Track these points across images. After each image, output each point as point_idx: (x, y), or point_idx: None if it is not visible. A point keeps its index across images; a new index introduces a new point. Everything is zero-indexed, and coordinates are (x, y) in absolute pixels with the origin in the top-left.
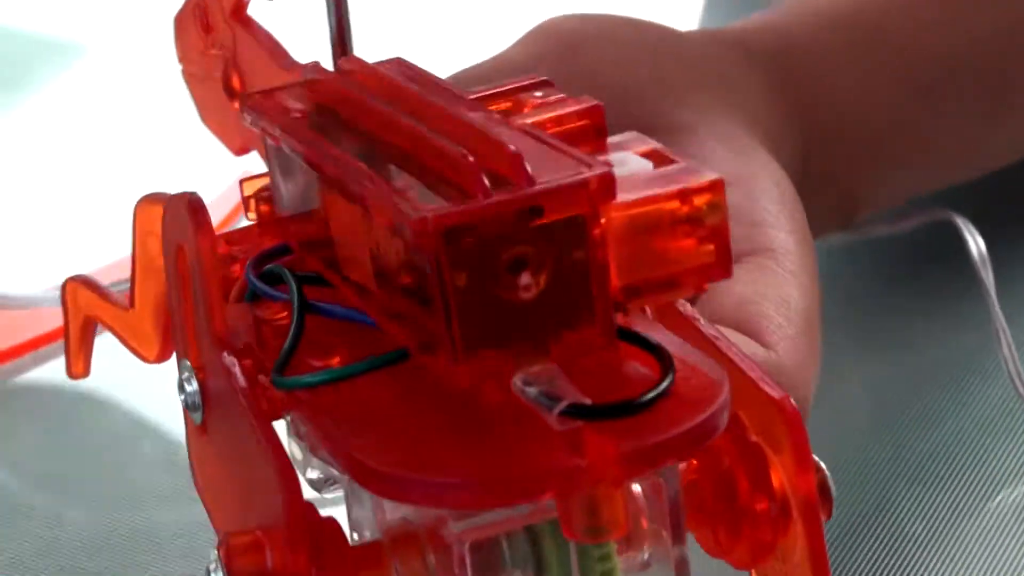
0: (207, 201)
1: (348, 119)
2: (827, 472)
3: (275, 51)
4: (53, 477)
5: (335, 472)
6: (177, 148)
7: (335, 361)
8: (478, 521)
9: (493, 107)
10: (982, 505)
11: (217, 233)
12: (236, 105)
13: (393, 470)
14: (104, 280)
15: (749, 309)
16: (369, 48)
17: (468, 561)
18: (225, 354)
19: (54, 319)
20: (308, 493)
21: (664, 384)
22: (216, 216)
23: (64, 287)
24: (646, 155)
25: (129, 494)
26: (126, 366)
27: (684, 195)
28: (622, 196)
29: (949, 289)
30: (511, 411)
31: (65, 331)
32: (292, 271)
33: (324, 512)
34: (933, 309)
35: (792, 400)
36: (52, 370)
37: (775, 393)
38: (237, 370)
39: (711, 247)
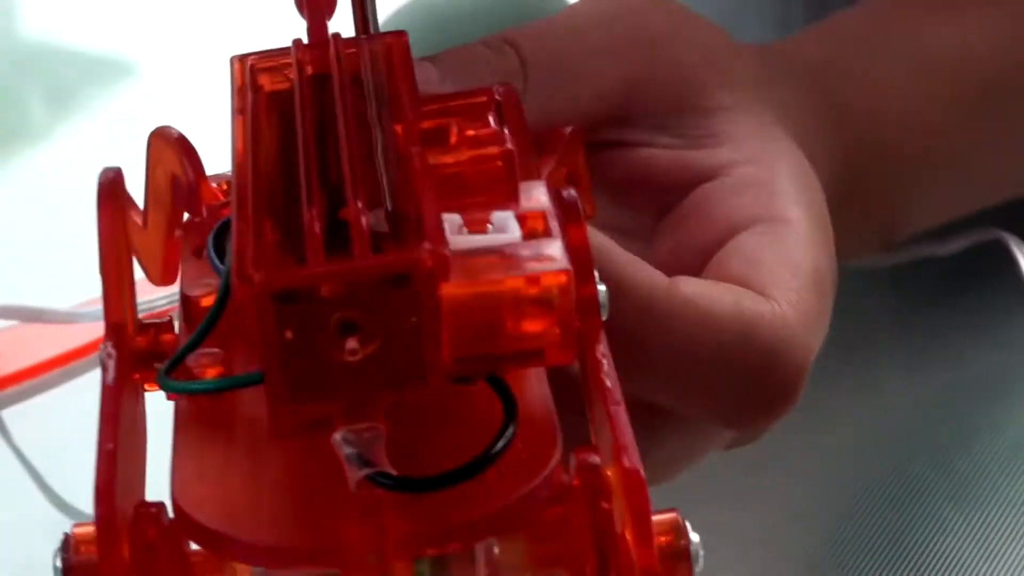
0: None
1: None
2: (692, 538)
3: None
4: None
5: None
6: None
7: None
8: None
9: (427, 124)
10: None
11: None
12: None
13: (208, 523)
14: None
15: (756, 267)
16: None
17: None
18: (105, 344)
19: (89, 332)
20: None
21: (477, 462)
22: None
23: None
24: (529, 218)
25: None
26: None
27: (532, 280)
28: (470, 271)
29: (997, 308)
30: (335, 468)
31: None
32: None
33: None
34: (981, 328)
35: (640, 471)
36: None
37: (625, 462)
38: (111, 363)
39: (556, 331)
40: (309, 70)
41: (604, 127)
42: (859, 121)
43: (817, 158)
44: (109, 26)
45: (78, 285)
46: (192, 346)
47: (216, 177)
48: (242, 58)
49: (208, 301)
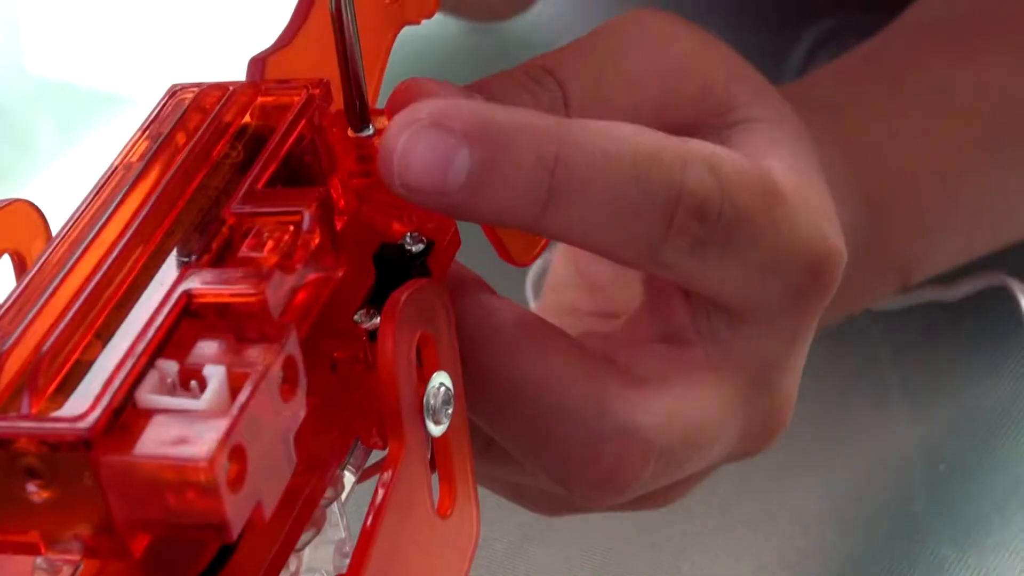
0: None
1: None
2: None
3: None
4: None
5: None
6: None
7: None
8: None
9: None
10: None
11: None
12: None
13: None
14: None
15: None
16: None
17: None
18: None
19: None
20: None
21: None
22: None
23: None
24: (238, 378)
25: None
26: None
27: (174, 468)
28: (142, 436)
29: (1000, 349)
30: None
31: None
32: None
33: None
34: (983, 368)
35: None
36: None
37: None
38: None
39: (222, 512)
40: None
41: None
42: (880, 160)
43: (840, 195)
44: (108, 64)
45: None
46: None
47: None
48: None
49: None
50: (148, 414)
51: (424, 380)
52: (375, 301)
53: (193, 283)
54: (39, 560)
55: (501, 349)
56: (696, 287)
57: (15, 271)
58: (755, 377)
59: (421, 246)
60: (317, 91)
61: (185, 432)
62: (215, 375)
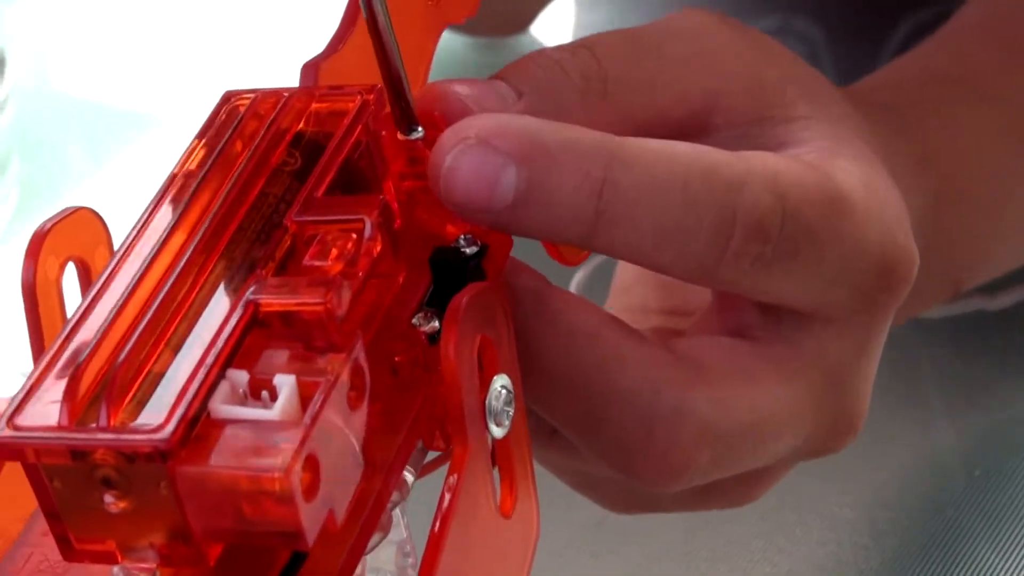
0: None
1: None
2: None
3: None
4: None
5: None
6: None
7: None
8: None
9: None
10: None
11: None
12: None
13: None
14: None
15: None
16: None
17: None
18: None
19: None
20: None
21: None
22: None
23: None
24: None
25: None
26: None
27: (251, 479)
28: (218, 446)
29: None
30: None
31: None
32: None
33: None
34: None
35: None
36: None
37: None
38: None
39: (297, 520)
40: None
41: (687, 136)
42: (941, 164)
43: (904, 197)
44: (135, 82)
45: None
46: None
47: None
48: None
49: None
50: (222, 424)
51: (485, 383)
52: (432, 304)
53: (259, 293)
54: (116, 569)
55: (556, 337)
56: (761, 298)
57: (80, 279)
58: (826, 378)
59: (475, 248)
60: (371, 96)
61: (259, 442)
62: (285, 384)
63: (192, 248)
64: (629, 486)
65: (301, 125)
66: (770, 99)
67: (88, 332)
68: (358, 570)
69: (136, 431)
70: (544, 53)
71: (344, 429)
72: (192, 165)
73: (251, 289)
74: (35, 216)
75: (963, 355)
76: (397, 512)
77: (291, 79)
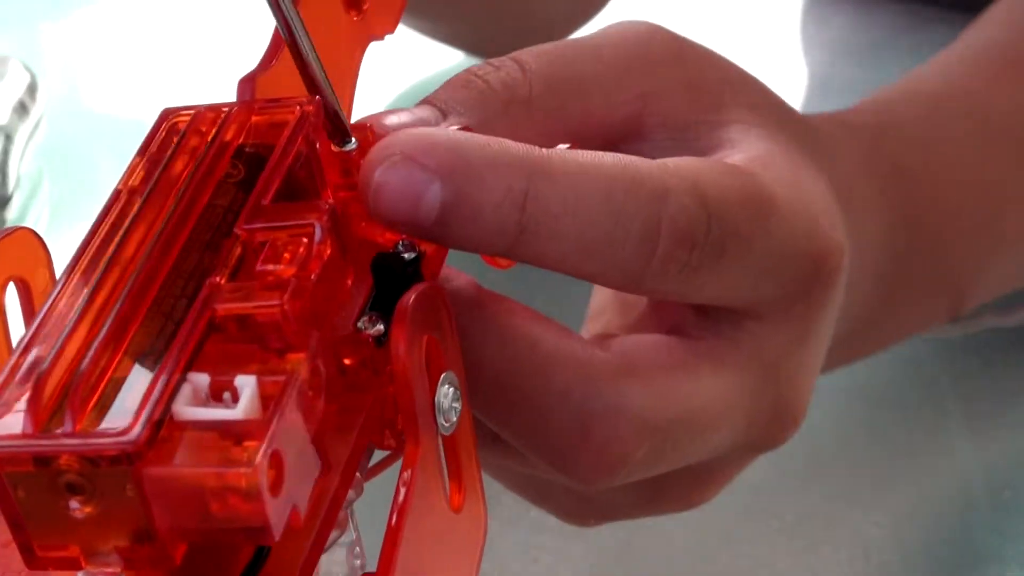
0: None
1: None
2: None
3: None
4: None
5: None
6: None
7: None
8: None
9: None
10: None
11: None
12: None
13: None
14: None
15: None
16: None
17: None
18: None
19: None
20: None
21: None
22: None
23: None
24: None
25: None
26: None
27: (219, 476)
28: (183, 448)
29: None
30: None
31: None
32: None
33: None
34: None
35: None
36: None
37: None
38: None
39: (264, 515)
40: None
41: (620, 140)
42: (922, 185)
43: (869, 209)
44: (163, 98)
45: None
46: None
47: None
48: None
49: None
50: (186, 426)
51: (433, 381)
52: (376, 308)
53: (215, 299)
54: (80, 574)
55: (491, 339)
56: (691, 301)
57: (20, 298)
58: (763, 371)
59: (414, 253)
60: (310, 108)
61: (224, 441)
62: (247, 385)
63: (144, 259)
64: (577, 493)
65: (243, 138)
66: (705, 102)
67: (46, 344)
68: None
69: (101, 435)
70: (470, 70)
71: (304, 426)
72: (135, 182)
73: (208, 295)
74: (65, 236)
75: (984, 373)
76: (348, 514)
77: None
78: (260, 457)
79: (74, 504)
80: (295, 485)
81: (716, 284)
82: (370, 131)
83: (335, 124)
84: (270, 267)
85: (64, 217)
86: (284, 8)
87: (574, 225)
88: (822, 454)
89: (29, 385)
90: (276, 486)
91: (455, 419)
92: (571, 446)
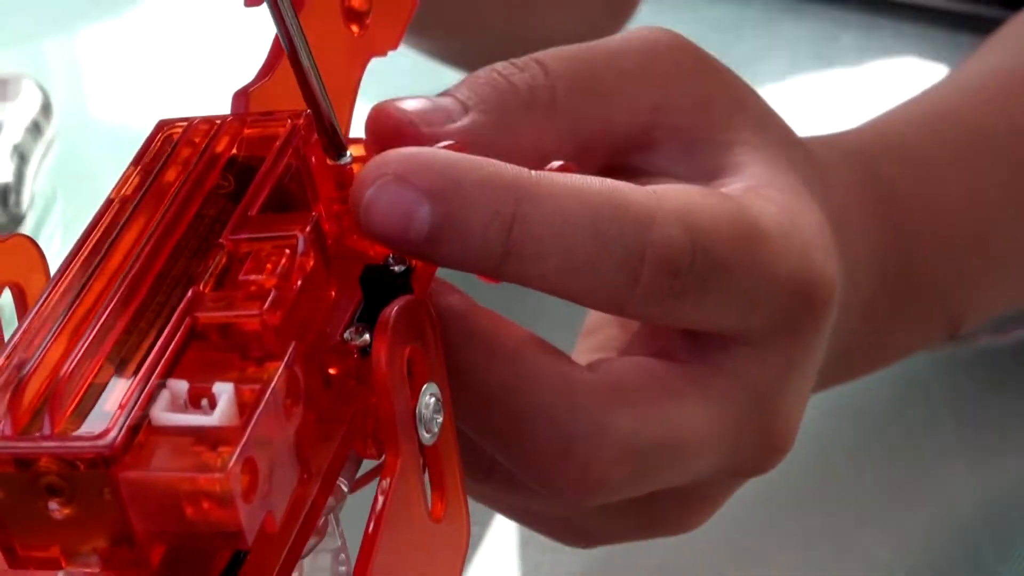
0: None
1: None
2: None
3: None
4: None
5: None
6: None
7: None
8: None
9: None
10: None
11: None
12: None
13: None
14: None
15: None
16: None
17: None
18: None
19: None
20: None
21: None
22: None
23: None
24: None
25: None
26: None
27: (191, 480)
28: (158, 452)
29: None
30: None
31: None
32: None
33: None
34: None
35: None
36: None
37: None
38: None
39: (237, 521)
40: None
41: (630, 150)
42: (913, 200)
43: (861, 233)
44: (173, 108)
45: None
46: None
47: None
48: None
49: None
50: (163, 431)
51: (416, 391)
52: (363, 319)
53: (197, 307)
54: (60, 574)
55: (478, 355)
56: (676, 326)
57: (16, 303)
58: (749, 398)
59: (403, 267)
60: (300, 121)
61: (199, 447)
62: (224, 392)
63: (131, 266)
64: (569, 520)
65: (234, 150)
66: (715, 120)
67: (30, 349)
68: (295, 575)
69: (79, 439)
70: (494, 68)
71: (281, 433)
72: (128, 191)
73: (190, 304)
74: None
75: (986, 395)
76: (332, 521)
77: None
78: (233, 463)
79: (53, 505)
80: (270, 491)
81: (701, 312)
82: (366, 145)
83: (331, 138)
84: (252, 277)
85: (77, 236)
86: (285, 17)
87: (558, 248)
88: (825, 473)
89: (10, 389)
90: (249, 492)
91: (437, 430)
92: (552, 465)
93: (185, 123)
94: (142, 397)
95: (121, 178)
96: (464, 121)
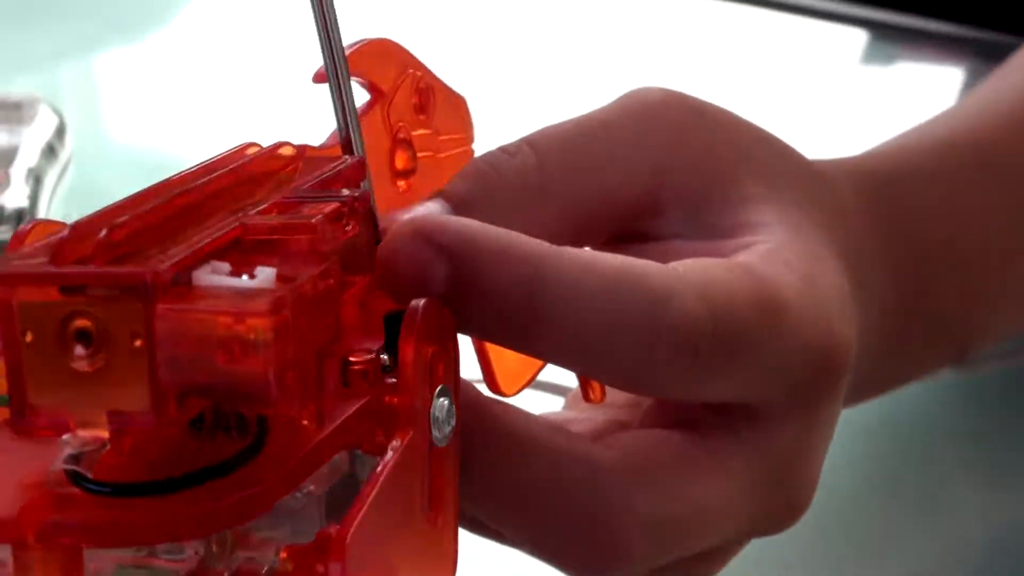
0: None
1: None
2: None
3: None
4: None
5: None
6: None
7: None
8: None
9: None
10: None
11: None
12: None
13: None
14: None
15: None
16: None
17: None
18: None
19: None
20: None
21: (171, 481)
22: None
23: None
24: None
25: None
26: None
27: (235, 316)
28: (196, 300)
29: None
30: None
31: None
32: None
33: None
34: None
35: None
36: None
37: (332, 530)
38: None
39: (267, 377)
40: None
41: (636, 217)
42: (930, 231)
43: (869, 260)
44: (190, 131)
45: None
46: None
47: None
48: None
49: None
50: (205, 287)
51: (432, 389)
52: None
53: (250, 217)
54: (66, 437)
55: (495, 441)
56: (696, 400)
57: None
58: (769, 468)
59: None
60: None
61: (239, 296)
62: (266, 269)
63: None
64: None
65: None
66: (720, 176)
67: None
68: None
69: (125, 269)
70: (483, 159)
71: (312, 317)
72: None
73: (243, 214)
74: None
75: (1001, 420)
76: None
77: None
78: (270, 308)
79: (80, 351)
80: (297, 363)
81: (721, 387)
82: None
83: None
84: (307, 212)
85: None
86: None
87: (574, 323)
88: (827, 502)
89: (62, 234)
90: (281, 344)
91: (448, 432)
92: (574, 547)
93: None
94: (185, 259)
95: (184, 170)
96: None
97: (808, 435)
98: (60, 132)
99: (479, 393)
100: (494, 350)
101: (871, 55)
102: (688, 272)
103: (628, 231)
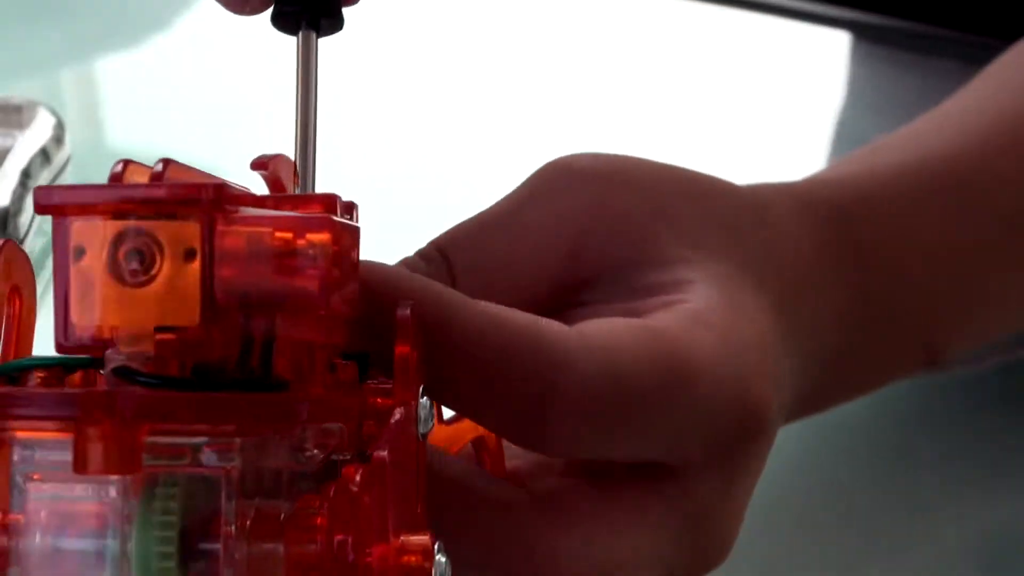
0: None
1: None
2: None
3: None
4: None
5: None
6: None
7: None
8: None
9: None
10: None
11: None
12: None
13: None
14: None
15: None
16: None
17: None
18: None
19: None
20: None
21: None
22: None
23: None
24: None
25: None
26: None
27: (298, 229)
28: (241, 221)
29: None
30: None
31: None
32: None
33: None
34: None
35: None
36: None
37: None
38: None
39: (316, 282)
40: None
41: (564, 292)
42: (881, 245)
43: (821, 285)
44: (192, 135)
45: None
46: None
47: None
48: None
49: None
50: (260, 216)
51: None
52: None
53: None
54: (109, 352)
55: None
56: (600, 459)
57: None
58: (685, 521)
59: None
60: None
61: (293, 220)
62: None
63: None
64: None
65: None
66: (640, 240)
67: None
68: None
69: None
70: (405, 261)
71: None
72: None
73: None
74: None
75: (991, 415)
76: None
77: None
78: (332, 226)
79: (134, 265)
80: (342, 277)
81: (625, 447)
82: None
83: None
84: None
85: None
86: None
87: (478, 377)
88: (815, 511)
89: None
90: (335, 259)
91: (425, 432)
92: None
93: None
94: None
95: None
96: None
97: (729, 487)
98: (57, 136)
99: None
100: None
101: (856, 58)
102: (592, 334)
103: (567, 305)
